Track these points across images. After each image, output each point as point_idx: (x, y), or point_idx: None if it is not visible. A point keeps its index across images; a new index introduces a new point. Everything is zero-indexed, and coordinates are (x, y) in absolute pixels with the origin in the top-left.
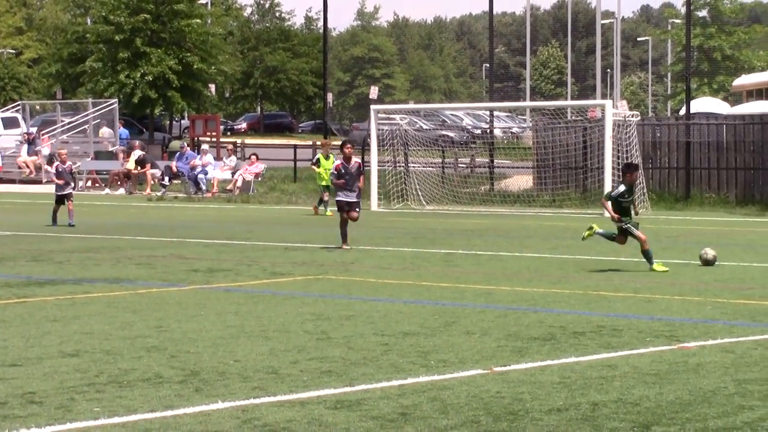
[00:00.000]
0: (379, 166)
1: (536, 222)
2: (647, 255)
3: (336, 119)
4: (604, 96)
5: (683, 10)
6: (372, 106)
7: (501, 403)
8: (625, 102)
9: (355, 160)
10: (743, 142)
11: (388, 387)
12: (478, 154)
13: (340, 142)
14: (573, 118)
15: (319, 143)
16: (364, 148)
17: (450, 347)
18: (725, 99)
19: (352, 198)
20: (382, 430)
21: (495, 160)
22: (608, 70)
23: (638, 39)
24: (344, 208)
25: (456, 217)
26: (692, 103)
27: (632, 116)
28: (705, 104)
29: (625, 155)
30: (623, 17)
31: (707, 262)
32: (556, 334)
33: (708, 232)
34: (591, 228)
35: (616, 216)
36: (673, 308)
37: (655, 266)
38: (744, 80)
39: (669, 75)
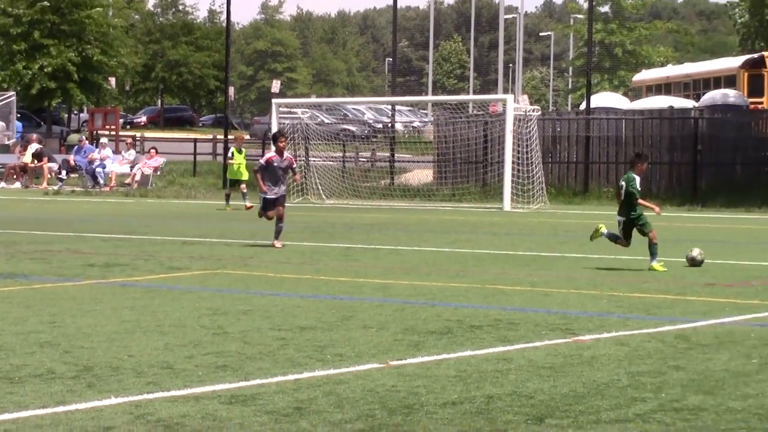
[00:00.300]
0: None
1: (436, 216)
2: (653, 250)
3: (237, 113)
4: (505, 91)
5: (586, 5)
6: (274, 100)
7: (396, 396)
8: (526, 97)
9: (287, 154)
10: (642, 136)
11: (283, 381)
12: (379, 149)
13: (272, 135)
14: (474, 112)
15: (226, 137)
16: (264, 142)
17: (347, 341)
18: (625, 94)
19: (280, 193)
20: (276, 425)
21: (396, 155)
22: (510, 64)
23: (541, 34)
24: (270, 207)
25: (356, 211)
26: (593, 98)
27: (533, 111)
28: (605, 99)
29: (525, 150)
30: (526, 12)
31: (694, 262)
32: (453, 328)
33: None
34: (598, 229)
35: (657, 209)
36: (569, 302)
37: (655, 265)
38: (644, 75)
39: (570, 70)
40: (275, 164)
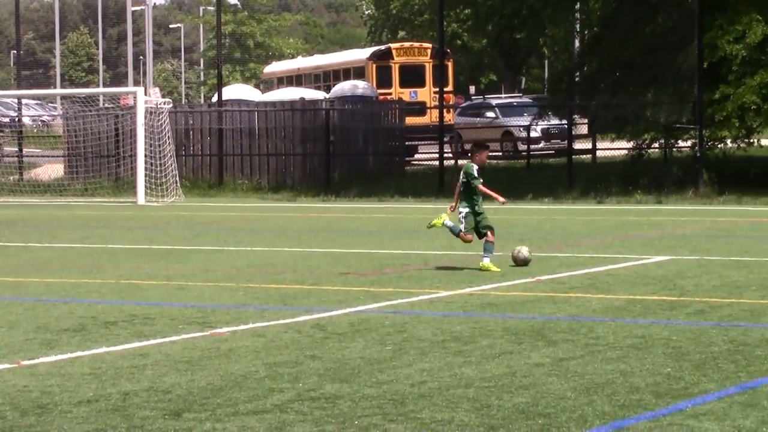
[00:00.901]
0: None
1: (68, 211)
2: (488, 247)
3: None
4: (136, 83)
5: None
6: None
7: (29, 397)
8: (157, 89)
9: None
10: (275, 128)
11: None
12: (6, 143)
13: None
14: (105, 105)
15: None
16: None
17: None
18: (257, 86)
19: None
20: None
21: (24, 149)
22: (141, 57)
23: (171, 26)
24: None
25: None
26: (224, 89)
27: (164, 103)
28: (237, 91)
29: (157, 143)
30: (155, 4)
31: (523, 262)
32: (87, 325)
33: (241, 218)
34: (441, 217)
35: (501, 198)
36: (206, 295)
37: (488, 264)
38: (274, 67)
39: (202, 62)
40: None
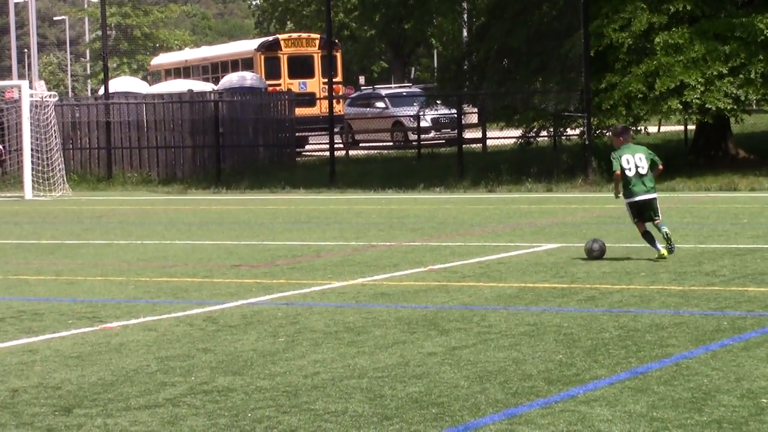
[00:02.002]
0: None
1: None
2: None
3: None
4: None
5: None
6: None
7: None
8: (43, 82)
9: None
10: (163, 120)
11: None
12: None
13: None
14: None
15: None
16: None
17: None
18: (144, 78)
19: None
20: None
21: None
22: (25, 50)
23: (55, 18)
24: None
25: None
26: (111, 82)
27: (50, 97)
28: (124, 83)
29: (44, 136)
30: None
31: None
32: None
33: (131, 211)
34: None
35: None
36: (95, 289)
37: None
38: (162, 59)
39: (88, 54)
40: None
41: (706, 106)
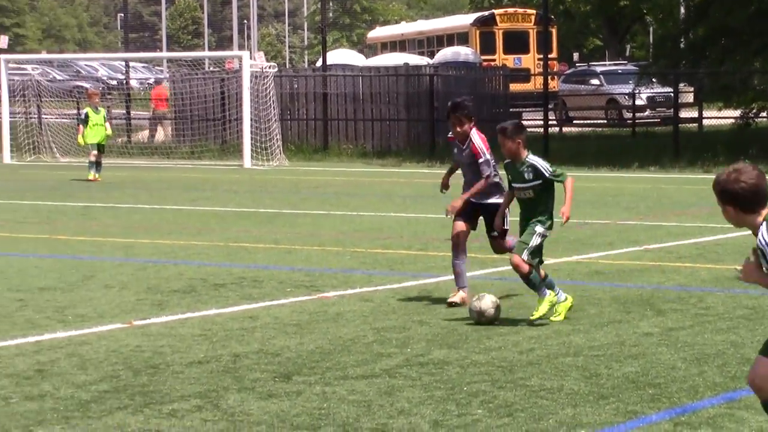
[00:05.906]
0: (11, 117)
1: (175, 174)
2: None
3: None
4: (241, 47)
5: None
6: (2, 56)
7: (141, 357)
8: (262, 53)
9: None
10: (378, 93)
11: (23, 343)
12: (114, 106)
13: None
14: (211, 69)
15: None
16: None
17: (88, 302)
18: (361, 51)
19: None
20: (18, 388)
21: (132, 112)
22: (245, 21)
23: None
24: None
25: None
26: (329, 54)
27: (270, 67)
28: (341, 56)
29: (263, 107)
30: None
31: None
32: (197, 287)
33: (347, 182)
34: None
35: None
36: (313, 259)
37: None
38: (378, 33)
39: (305, 26)
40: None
41: None
